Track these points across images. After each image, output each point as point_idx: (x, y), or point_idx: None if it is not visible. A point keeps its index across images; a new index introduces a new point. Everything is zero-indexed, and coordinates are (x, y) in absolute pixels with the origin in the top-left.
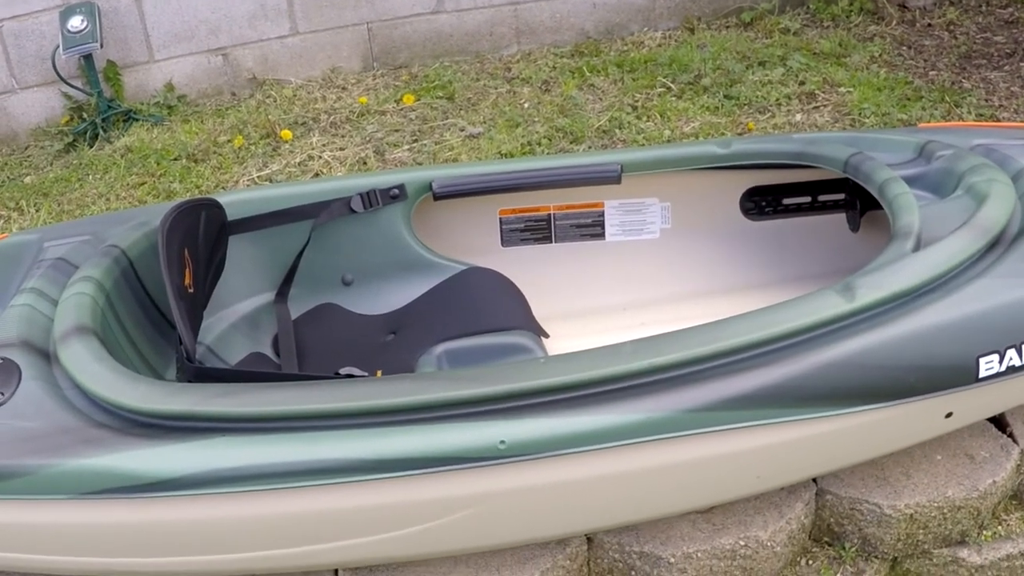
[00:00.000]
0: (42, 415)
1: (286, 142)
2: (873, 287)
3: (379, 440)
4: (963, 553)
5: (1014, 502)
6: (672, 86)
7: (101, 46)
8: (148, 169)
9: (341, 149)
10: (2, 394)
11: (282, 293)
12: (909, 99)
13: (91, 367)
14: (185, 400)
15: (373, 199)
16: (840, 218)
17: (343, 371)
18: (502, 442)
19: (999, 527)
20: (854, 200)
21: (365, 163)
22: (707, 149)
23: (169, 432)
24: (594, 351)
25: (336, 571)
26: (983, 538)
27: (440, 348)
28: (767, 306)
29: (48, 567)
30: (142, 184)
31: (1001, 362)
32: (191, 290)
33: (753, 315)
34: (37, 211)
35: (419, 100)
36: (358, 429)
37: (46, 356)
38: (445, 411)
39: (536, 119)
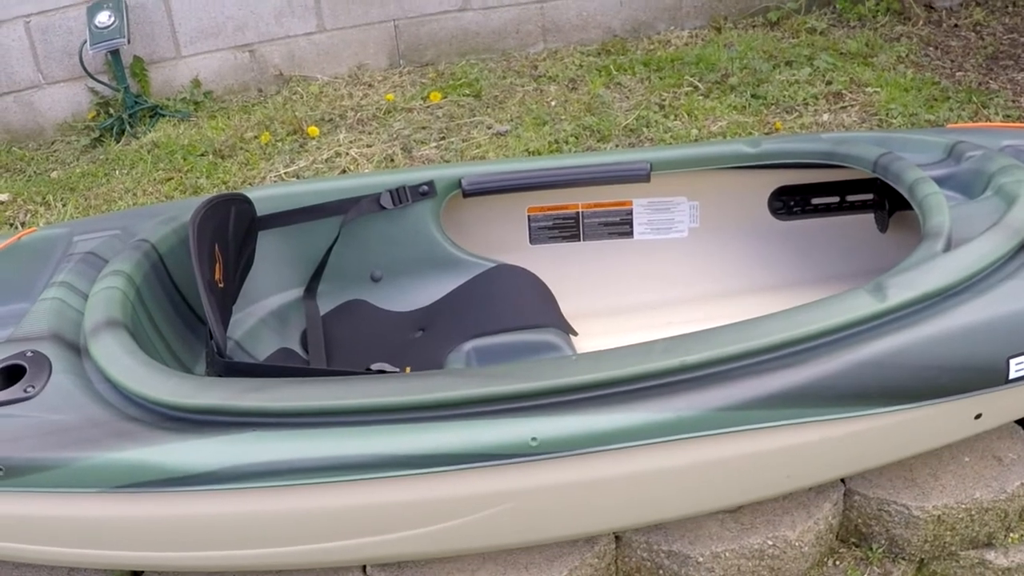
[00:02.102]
0: (73, 408)
1: (313, 139)
2: (904, 287)
3: (410, 436)
4: (990, 555)
5: None
6: (699, 85)
7: (128, 42)
8: (175, 165)
9: (368, 146)
10: (33, 387)
11: (311, 289)
12: (936, 100)
13: (122, 360)
14: (215, 395)
15: (402, 196)
16: (868, 218)
17: (374, 367)
18: (534, 439)
19: None
20: (883, 200)
21: (392, 160)
22: (736, 148)
23: (199, 426)
24: (626, 349)
25: (365, 567)
26: (1010, 540)
27: (469, 345)
28: (798, 305)
29: (78, 560)
30: (169, 179)
31: None
32: (221, 285)
33: (784, 314)
34: (64, 206)
35: (446, 98)
36: (389, 425)
37: (76, 350)
38: (477, 408)
39: (563, 117)
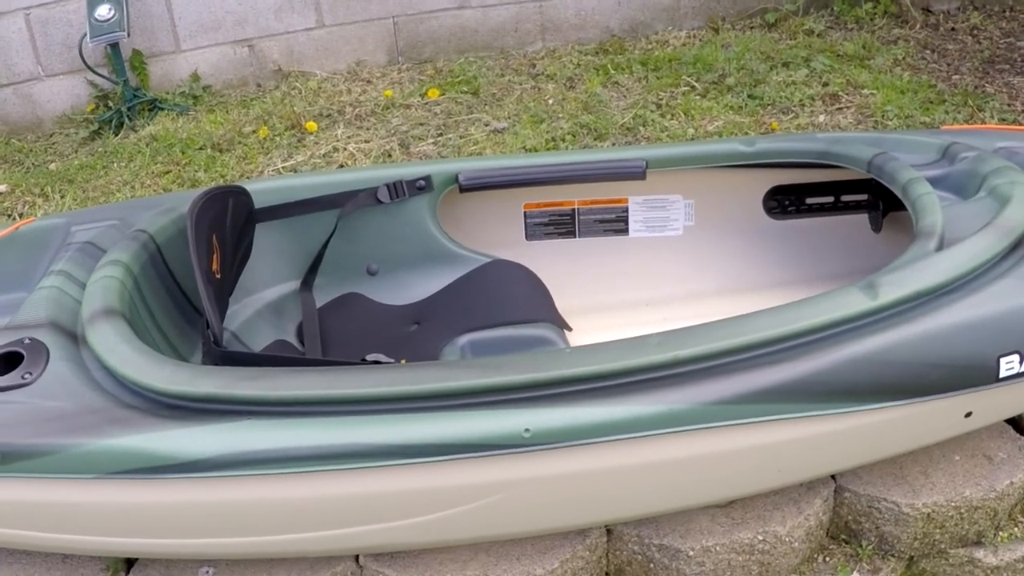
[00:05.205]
0: (70, 395)
1: (311, 134)
2: (896, 285)
3: (403, 426)
4: (979, 554)
5: None
6: (696, 85)
7: (128, 35)
8: (173, 158)
9: (366, 141)
10: (30, 374)
11: (307, 282)
12: (932, 102)
13: (119, 348)
14: (212, 383)
15: (400, 190)
16: (862, 219)
17: (369, 358)
18: (527, 430)
19: (1015, 528)
20: (877, 201)
21: (390, 156)
22: (732, 147)
23: (195, 414)
24: (620, 342)
25: (357, 556)
26: (999, 539)
27: (464, 339)
28: (791, 302)
29: (74, 546)
30: (167, 172)
31: (1022, 363)
32: (218, 276)
33: (777, 310)
34: (62, 197)
35: (444, 94)
36: (383, 415)
37: (74, 338)
38: (471, 399)
39: (560, 115)
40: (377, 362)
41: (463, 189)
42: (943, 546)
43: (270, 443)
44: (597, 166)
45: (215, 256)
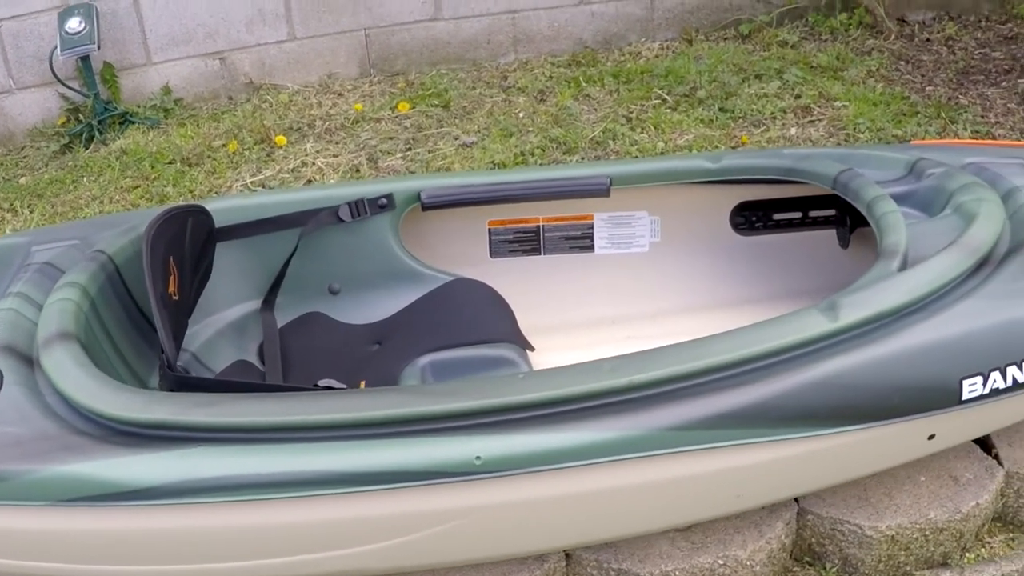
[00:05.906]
0: (23, 421)
1: (280, 148)
2: (857, 306)
3: (356, 453)
4: (945, 575)
5: (998, 524)
6: (667, 98)
7: (99, 48)
8: (142, 172)
9: (335, 156)
10: None
11: (268, 301)
12: (905, 114)
13: (72, 374)
14: (164, 409)
15: (361, 208)
16: (830, 234)
17: (321, 383)
18: (478, 458)
19: (982, 550)
20: (844, 216)
21: (358, 170)
22: (697, 163)
23: (148, 441)
24: (573, 367)
25: None
26: (966, 561)
27: (425, 359)
28: (749, 324)
29: (24, 573)
30: (136, 187)
31: (985, 384)
32: (176, 298)
33: (734, 333)
34: (31, 212)
35: (414, 108)
36: (335, 442)
37: (29, 361)
38: (422, 425)
39: (530, 129)
40: (329, 387)
41: (425, 207)
42: (908, 568)
43: (224, 470)
44: (561, 183)
45: (172, 278)
